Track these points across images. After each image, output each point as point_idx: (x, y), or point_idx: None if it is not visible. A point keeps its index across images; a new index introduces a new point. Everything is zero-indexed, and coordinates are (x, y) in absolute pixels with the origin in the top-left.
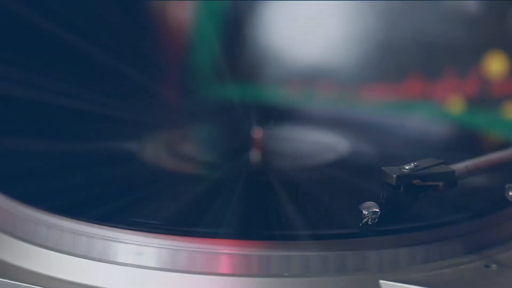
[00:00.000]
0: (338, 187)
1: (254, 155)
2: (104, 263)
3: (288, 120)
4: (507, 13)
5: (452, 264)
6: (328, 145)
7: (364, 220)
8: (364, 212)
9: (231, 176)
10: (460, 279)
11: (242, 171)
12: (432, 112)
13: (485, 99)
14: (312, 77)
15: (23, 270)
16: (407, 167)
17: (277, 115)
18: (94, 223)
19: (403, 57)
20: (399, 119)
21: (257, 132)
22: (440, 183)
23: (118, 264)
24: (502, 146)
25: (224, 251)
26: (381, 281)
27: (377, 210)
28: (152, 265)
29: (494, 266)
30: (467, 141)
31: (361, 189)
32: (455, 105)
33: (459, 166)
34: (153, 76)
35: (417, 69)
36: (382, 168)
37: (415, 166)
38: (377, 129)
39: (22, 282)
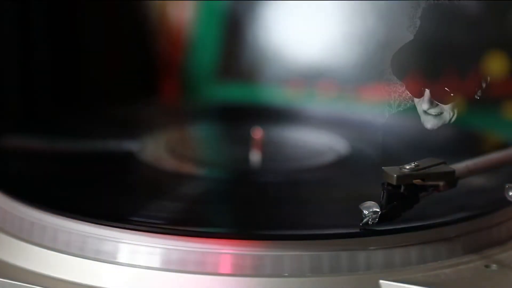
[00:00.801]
0: (338, 187)
1: (254, 155)
2: (104, 263)
3: (288, 120)
4: (507, 13)
5: (452, 264)
6: (328, 145)
7: (365, 220)
8: (364, 212)
9: (230, 176)
10: (460, 279)
11: (241, 171)
12: None
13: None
14: (312, 77)
15: (23, 270)
16: (407, 167)
17: (277, 115)
18: (94, 222)
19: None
20: (399, 119)
21: (257, 132)
22: (441, 183)
23: (117, 264)
24: (502, 146)
25: (224, 251)
26: (381, 281)
27: (378, 210)
28: (151, 265)
29: (494, 266)
30: (467, 141)
31: (361, 189)
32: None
33: (459, 166)
34: (153, 76)
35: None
36: (383, 168)
37: (415, 166)
38: (377, 129)
39: (22, 282)
